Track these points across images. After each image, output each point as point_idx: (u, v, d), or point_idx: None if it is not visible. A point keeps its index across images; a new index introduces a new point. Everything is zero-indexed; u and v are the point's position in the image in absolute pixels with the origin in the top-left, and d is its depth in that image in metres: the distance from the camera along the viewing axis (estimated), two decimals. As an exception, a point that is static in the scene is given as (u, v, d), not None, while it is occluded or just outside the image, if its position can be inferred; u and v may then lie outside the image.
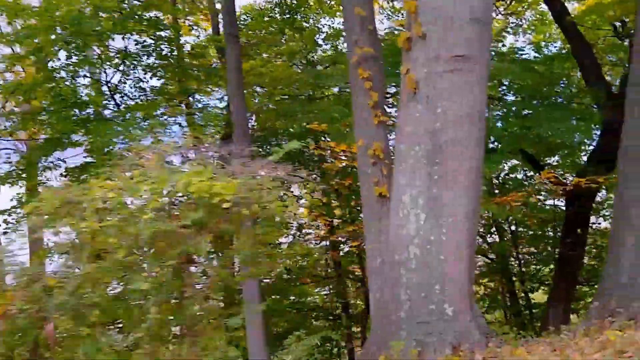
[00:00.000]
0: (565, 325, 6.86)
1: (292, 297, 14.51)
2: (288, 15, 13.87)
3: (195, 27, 10.95)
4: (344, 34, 8.71)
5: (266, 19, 13.76)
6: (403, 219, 4.68)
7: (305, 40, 13.38)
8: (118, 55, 9.43)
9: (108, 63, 10.01)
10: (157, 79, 10.25)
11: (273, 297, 13.92)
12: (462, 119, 4.51)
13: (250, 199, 3.04)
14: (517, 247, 12.56)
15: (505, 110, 8.95)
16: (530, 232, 13.85)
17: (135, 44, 9.35)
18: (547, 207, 12.67)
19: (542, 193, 10.06)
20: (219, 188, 2.90)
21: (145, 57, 9.73)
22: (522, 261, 14.47)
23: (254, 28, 13.51)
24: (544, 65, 10.98)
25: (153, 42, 9.61)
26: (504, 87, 9.11)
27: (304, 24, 14.14)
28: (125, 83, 10.21)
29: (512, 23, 15.17)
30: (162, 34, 9.69)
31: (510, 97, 9.91)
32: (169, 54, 9.90)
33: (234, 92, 7.80)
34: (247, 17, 14.23)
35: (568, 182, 9.36)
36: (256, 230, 3.38)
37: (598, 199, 11.76)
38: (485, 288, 14.35)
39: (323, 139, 9.79)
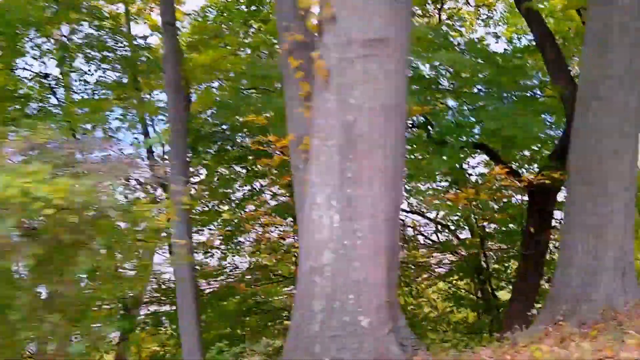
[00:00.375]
0: (516, 328, 6.55)
1: (258, 297, 14.08)
2: (255, 7, 13.46)
3: (135, 17, 10.44)
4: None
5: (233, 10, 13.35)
6: (317, 221, 4.24)
7: (269, 31, 12.94)
8: (55, 47, 8.90)
9: (50, 55, 9.49)
10: (102, 72, 9.76)
11: (237, 297, 13.51)
12: (377, 111, 4.06)
13: (88, 202, 2.59)
14: (483, 243, 12.19)
15: (459, 103, 8.54)
16: (504, 229, 13.51)
17: (70, 34, 8.84)
18: (518, 203, 12.36)
19: (509, 190, 9.67)
20: (46, 191, 2.45)
21: (88, 48, 9.22)
22: (495, 258, 14.16)
23: (218, 20, 13.12)
24: (511, 57, 10.63)
25: (95, 31, 9.10)
26: (460, 79, 8.67)
27: (271, 16, 13.71)
28: (68, 76, 9.70)
29: (483, 15, 14.83)
30: (105, 23, 9.17)
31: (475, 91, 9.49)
32: (114, 45, 9.38)
33: (170, 83, 7.32)
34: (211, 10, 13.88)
35: (531, 178, 8.96)
36: (101, 241, 2.93)
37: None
38: (454, 286, 13.99)
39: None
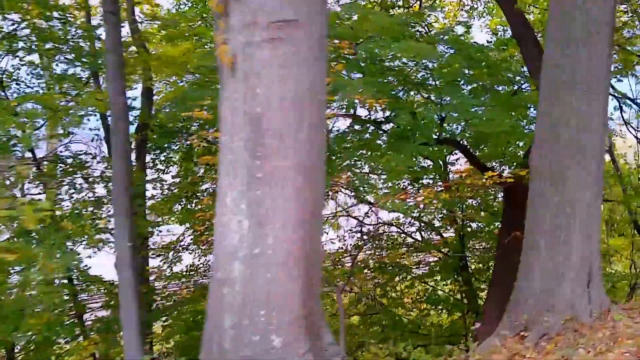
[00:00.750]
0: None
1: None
2: None
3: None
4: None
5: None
6: (225, 226, 3.77)
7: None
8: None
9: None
10: (56, 64, 9.29)
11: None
12: (288, 102, 3.57)
13: None
14: (462, 242, 11.72)
15: (426, 96, 8.05)
16: (487, 228, 13.05)
17: (13, 24, 8.36)
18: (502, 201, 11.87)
19: (476, 188, 9.18)
20: None
21: (36, 39, 8.74)
22: (477, 258, 13.70)
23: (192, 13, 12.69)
24: (490, 49, 10.20)
25: (44, 21, 8.62)
26: (430, 72, 8.18)
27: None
28: (19, 69, 9.23)
29: (467, 6, 14.33)
30: (55, 14, 8.69)
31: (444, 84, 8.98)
32: (64, 36, 8.89)
33: (112, 75, 6.83)
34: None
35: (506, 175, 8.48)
36: None
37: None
38: (435, 287, 13.51)
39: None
